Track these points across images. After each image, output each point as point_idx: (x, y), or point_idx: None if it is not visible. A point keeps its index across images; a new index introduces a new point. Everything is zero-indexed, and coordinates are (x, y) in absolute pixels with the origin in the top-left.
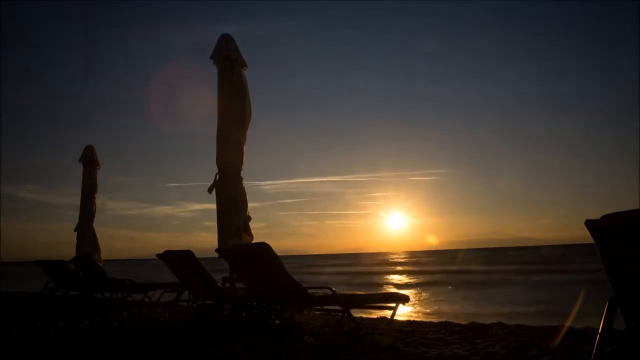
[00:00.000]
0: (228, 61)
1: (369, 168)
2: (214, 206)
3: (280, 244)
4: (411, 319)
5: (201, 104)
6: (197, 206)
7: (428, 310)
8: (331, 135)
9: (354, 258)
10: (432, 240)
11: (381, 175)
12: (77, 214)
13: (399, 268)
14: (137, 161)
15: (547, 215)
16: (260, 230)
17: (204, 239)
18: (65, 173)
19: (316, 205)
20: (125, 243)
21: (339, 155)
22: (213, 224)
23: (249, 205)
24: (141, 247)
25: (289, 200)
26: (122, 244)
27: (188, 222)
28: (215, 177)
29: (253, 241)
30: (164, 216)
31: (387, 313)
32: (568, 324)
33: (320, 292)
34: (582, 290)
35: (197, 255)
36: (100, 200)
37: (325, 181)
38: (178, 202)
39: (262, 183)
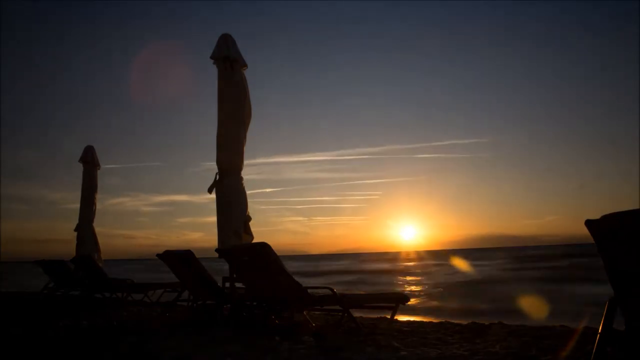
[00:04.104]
0: (228, 61)
1: (361, 143)
2: (182, 198)
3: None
4: (411, 319)
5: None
6: (161, 198)
7: (428, 310)
8: (316, 102)
9: (353, 259)
10: (439, 240)
11: (377, 151)
12: (76, 213)
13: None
14: (45, 132)
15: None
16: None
17: (188, 236)
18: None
19: (301, 195)
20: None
21: (323, 128)
22: (190, 220)
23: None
24: (112, 247)
25: (268, 190)
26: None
27: (158, 217)
28: (215, 177)
29: (253, 241)
30: (127, 211)
31: (387, 313)
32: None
33: (320, 291)
34: None
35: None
36: (42, 191)
37: (310, 161)
38: (134, 192)
39: None
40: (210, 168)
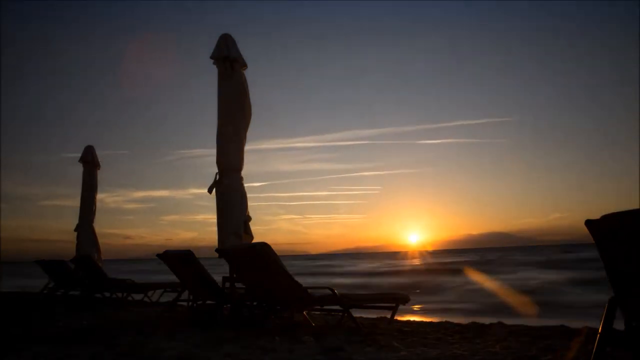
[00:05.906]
0: (228, 61)
1: (356, 125)
2: (163, 194)
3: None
4: (411, 319)
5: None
6: (141, 194)
7: (428, 310)
8: (303, 77)
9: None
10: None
11: (375, 134)
12: (77, 213)
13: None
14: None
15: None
16: None
17: (182, 236)
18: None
19: (292, 190)
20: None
21: (311, 107)
22: (177, 217)
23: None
24: (110, 247)
25: (256, 184)
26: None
27: (143, 215)
28: (216, 177)
29: (253, 241)
30: (109, 208)
31: (387, 313)
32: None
33: (320, 292)
34: None
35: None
36: (6, 184)
37: (298, 148)
38: (110, 187)
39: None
40: (181, 157)
